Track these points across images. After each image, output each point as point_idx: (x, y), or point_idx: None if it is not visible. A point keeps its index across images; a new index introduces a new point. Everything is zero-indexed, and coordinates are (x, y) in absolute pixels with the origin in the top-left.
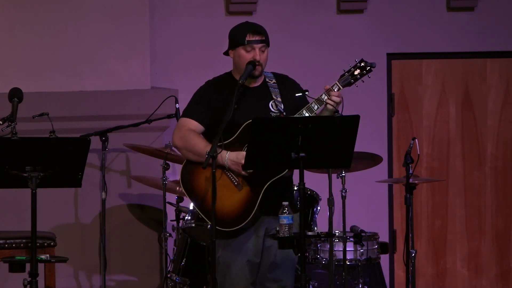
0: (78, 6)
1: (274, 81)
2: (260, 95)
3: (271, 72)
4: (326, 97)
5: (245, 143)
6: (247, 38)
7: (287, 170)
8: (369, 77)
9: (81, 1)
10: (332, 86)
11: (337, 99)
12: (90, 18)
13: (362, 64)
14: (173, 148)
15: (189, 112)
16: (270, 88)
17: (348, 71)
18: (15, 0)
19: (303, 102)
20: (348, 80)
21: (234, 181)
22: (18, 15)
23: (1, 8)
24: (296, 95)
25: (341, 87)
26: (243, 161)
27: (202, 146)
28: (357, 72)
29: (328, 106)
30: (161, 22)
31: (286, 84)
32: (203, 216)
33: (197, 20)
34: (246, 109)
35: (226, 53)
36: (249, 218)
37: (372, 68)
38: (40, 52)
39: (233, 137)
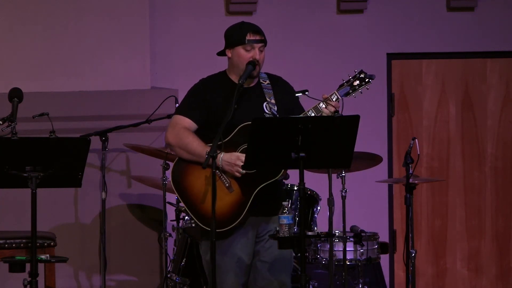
0: (78, 6)
1: (268, 82)
2: (255, 96)
3: (265, 73)
4: (324, 106)
5: (240, 144)
6: (248, 38)
7: (280, 174)
8: (367, 88)
9: (81, 1)
10: (331, 96)
11: (333, 110)
12: (90, 18)
13: (362, 75)
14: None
15: (183, 110)
16: (264, 89)
17: (347, 82)
18: (15, 0)
19: (296, 104)
20: (347, 90)
21: (226, 182)
22: (18, 15)
23: (1, 8)
24: (296, 95)
25: (340, 97)
26: (237, 162)
27: (196, 145)
28: (356, 83)
29: (324, 115)
30: (161, 22)
31: (280, 86)
32: (192, 216)
33: (197, 20)
34: (241, 109)
35: (221, 53)
36: (239, 220)
37: (371, 80)
38: (40, 52)
39: (228, 138)
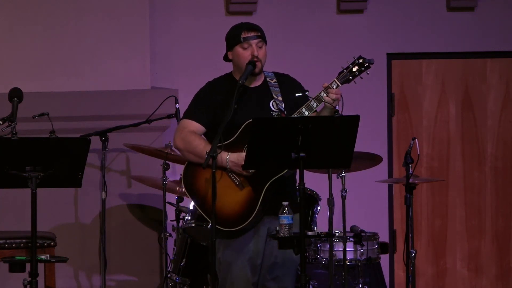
0: (78, 6)
1: (274, 80)
2: (261, 94)
3: (272, 72)
4: (324, 95)
5: (246, 143)
6: (243, 36)
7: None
8: (368, 73)
9: (81, 1)
10: (331, 84)
11: (335, 97)
12: (90, 18)
13: (360, 60)
14: (173, 148)
15: (190, 113)
16: (270, 87)
17: (346, 68)
18: (15, 0)
19: (303, 101)
20: (346, 77)
21: (236, 180)
22: (18, 15)
23: (1, 8)
24: (296, 95)
25: (340, 84)
26: (243, 162)
27: (202, 147)
28: (355, 68)
29: (326, 104)
30: (161, 22)
31: (287, 83)
32: (205, 217)
33: (197, 20)
34: (247, 109)
35: (225, 58)
36: (251, 217)
37: (370, 65)
38: (40, 52)
39: (234, 137)
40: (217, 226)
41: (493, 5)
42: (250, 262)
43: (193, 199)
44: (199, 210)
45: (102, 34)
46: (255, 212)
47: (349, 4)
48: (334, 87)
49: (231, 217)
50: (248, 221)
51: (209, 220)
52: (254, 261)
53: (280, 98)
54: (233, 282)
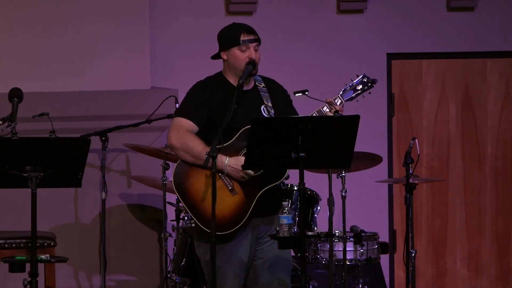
0: (78, 6)
1: (263, 85)
2: (253, 98)
3: (259, 75)
4: (327, 110)
5: (242, 148)
6: (242, 38)
7: (284, 177)
8: (370, 93)
9: (81, 1)
10: (334, 99)
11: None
12: (90, 18)
13: (365, 79)
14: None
15: (184, 112)
16: (260, 92)
17: (350, 86)
18: (15, 0)
19: (290, 107)
20: (350, 95)
21: (228, 185)
22: (18, 15)
23: (1, 8)
24: (296, 95)
25: (343, 101)
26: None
27: (201, 148)
28: (359, 87)
29: None
30: (161, 22)
31: (275, 89)
32: (194, 219)
33: (197, 20)
34: (241, 111)
35: (215, 57)
36: (241, 223)
37: (373, 84)
38: (40, 52)
39: (230, 142)
40: (205, 229)
41: (493, 5)
42: (240, 265)
43: (182, 199)
44: (189, 212)
45: (102, 34)
46: (245, 218)
47: (349, 4)
48: (337, 103)
49: (221, 221)
50: (237, 226)
51: (198, 223)
52: (243, 264)
53: (270, 104)
54: (223, 286)
